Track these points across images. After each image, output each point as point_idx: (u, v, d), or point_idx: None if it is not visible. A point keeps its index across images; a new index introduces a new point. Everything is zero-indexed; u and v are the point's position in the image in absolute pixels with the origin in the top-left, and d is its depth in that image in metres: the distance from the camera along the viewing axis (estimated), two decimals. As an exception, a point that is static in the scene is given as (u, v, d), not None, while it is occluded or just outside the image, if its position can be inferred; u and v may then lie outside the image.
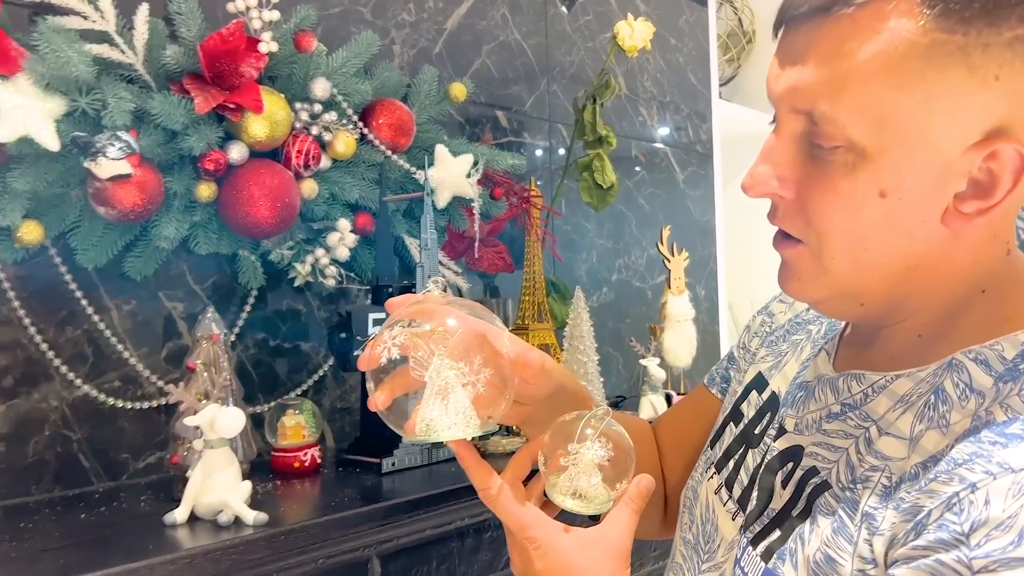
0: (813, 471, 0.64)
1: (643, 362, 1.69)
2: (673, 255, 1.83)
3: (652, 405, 1.68)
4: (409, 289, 1.30)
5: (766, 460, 0.71)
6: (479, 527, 1.24)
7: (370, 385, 0.63)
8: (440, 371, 0.60)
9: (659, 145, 2.37)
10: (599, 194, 1.66)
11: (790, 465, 0.67)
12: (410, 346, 0.61)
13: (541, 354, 0.67)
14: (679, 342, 1.82)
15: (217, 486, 0.99)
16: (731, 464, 0.76)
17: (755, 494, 0.70)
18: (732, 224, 2.65)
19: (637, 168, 2.27)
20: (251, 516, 0.96)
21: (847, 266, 0.61)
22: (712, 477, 0.78)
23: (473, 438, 0.65)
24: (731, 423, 0.80)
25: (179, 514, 0.98)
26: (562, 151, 1.97)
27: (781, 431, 0.71)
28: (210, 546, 0.89)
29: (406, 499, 1.10)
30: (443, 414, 0.60)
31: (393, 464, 1.23)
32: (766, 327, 0.87)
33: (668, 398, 1.73)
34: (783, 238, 0.64)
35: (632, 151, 2.26)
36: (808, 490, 0.64)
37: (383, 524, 1.07)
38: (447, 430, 0.60)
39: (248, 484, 1.02)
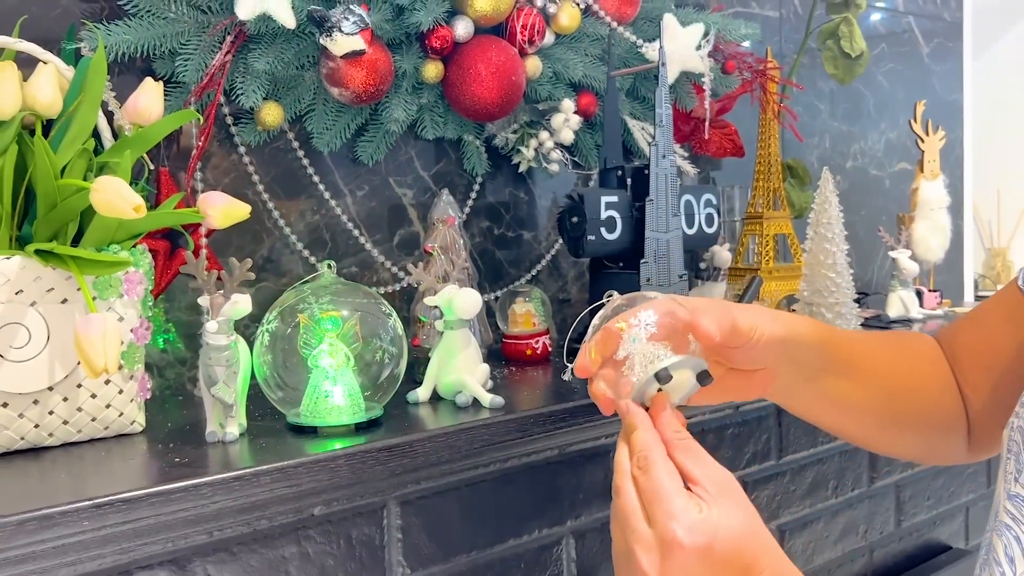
0: None
1: (893, 254, 1.52)
2: (928, 134, 1.61)
3: (902, 301, 1.51)
4: (641, 171, 1.21)
5: None
6: (720, 424, 1.17)
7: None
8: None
9: (902, 13, 2.09)
10: (846, 65, 1.47)
11: None
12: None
13: (722, 318, 0.65)
14: (932, 233, 1.62)
15: (457, 367, 0.97)
16: None
17: None
18: (982, 104, 2.33)
19: (876, 40, 2.01)
20: (487, 399, 0.93)
21: None
22: None
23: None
24: None
25: (422, 393, 0.98)
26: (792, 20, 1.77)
27: None
28: (465, 424, 0.87)
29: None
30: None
31: (628, 354, 1.17)
32: None
33: (919, 295, 1.56)
34: None
35: (870, 20, 2.01)
36: None
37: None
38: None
39: (486, 367, 0.99)
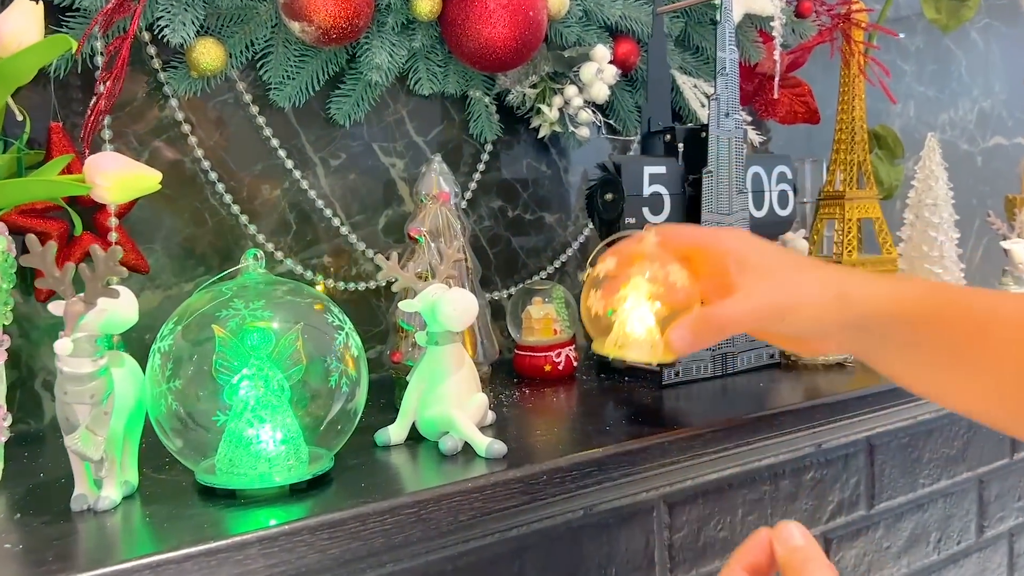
0: None
1: (1005, 245, 1.22)
2: (1047, 96, 1.31)
3: (1017, 303, 1.21)
4: (697, 135, 0.93)
5: None
6: (798, 466, 0.89)
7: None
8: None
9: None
10: (951, 7, 1.17)
11: None
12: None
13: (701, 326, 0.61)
14: (1048, 218, 1.31)
15: (442, 398, 0.70)
16: None
17: None
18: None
19: (970, -8, 1.70)
20: (484, 445, 0.67)
21: None
22: None
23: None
24: None
25: (394, 432, 0.71)
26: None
27: None
28: (448, 488, 0.60)
29: (710, 428, 0.76)
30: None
31: (677, 374, 0.89)
32: None
33: (1034, 294, 1.25)
34: None
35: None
36: None
37: (675, 460, 0.74)
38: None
39: (482, 399, 0.72)
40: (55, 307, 0.54)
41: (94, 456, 0.54)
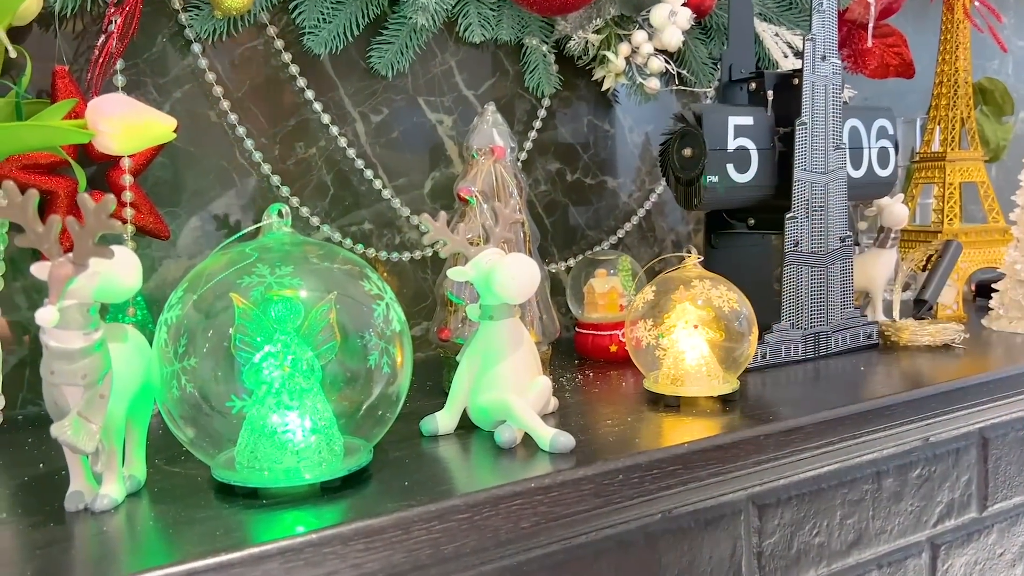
0: None
1: None
2: None
3: None
4: (788, 81, 0.81)
5: None
6: (904, 462, 0.77)
7: None
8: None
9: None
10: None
11: None
12: None
13: None
14: None
15: (498, 382, 0.60)
16: None
17: None
18: None
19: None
20: (548, 437, 0.57)
21: None
22: None
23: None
24: None
25: (442, 420, 0.62)
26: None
27: None
28: (507, 488, 0.50)
29: (812, 420, 0.65)
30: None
31: (764, 356, 0.78)
32: None
33: None
34: None
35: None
36: None
37: (773, 457, 0.63)
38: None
39: (545, 383, 0.62)
40: (38, 269, 0.45)
41: (87, 447, 0.45)
